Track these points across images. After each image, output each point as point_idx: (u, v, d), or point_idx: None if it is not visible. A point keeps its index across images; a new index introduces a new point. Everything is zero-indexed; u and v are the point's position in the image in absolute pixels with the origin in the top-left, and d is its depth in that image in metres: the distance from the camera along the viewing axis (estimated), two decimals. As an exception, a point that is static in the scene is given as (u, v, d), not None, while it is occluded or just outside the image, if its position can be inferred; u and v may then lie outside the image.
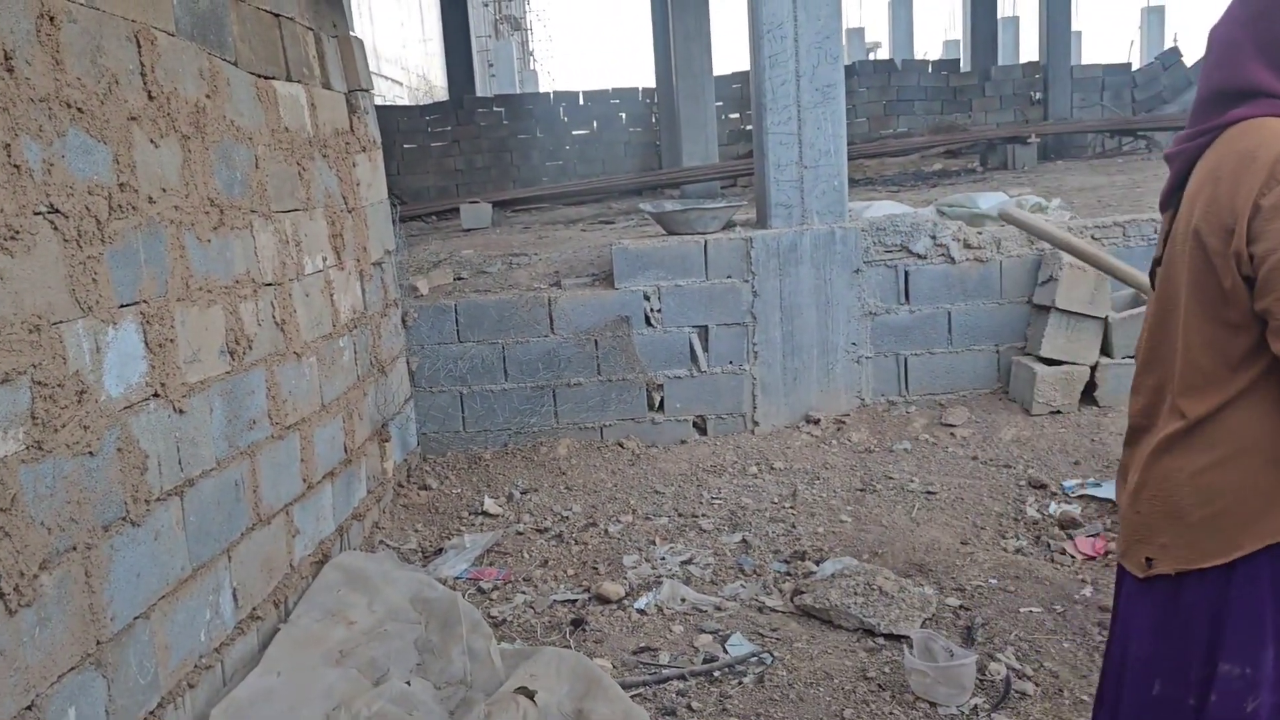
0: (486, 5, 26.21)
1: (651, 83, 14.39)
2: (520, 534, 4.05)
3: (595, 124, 14.93)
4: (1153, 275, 1.65)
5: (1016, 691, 2.72)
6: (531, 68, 33.20)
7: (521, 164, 14.68)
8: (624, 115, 15.00)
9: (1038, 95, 16.03)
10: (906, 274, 4.93)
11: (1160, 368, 1.58)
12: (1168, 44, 24.38)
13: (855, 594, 3.18)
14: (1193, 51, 15.87)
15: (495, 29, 27.58)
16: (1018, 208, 5.08)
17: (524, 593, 3.53)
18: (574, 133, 14.82)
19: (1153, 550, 1.57)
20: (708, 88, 11.04)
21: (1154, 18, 27.18)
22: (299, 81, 3.59)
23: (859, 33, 29.00)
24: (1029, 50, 23.64)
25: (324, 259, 3.64)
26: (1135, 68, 16.95)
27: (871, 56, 27.14)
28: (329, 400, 3.58)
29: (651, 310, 4.88)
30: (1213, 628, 1.51)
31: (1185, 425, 1.52)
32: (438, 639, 2.95)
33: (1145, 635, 1.61)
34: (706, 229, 4.97)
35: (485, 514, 4.26)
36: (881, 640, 3.03)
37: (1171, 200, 1.60)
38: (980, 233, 4.91)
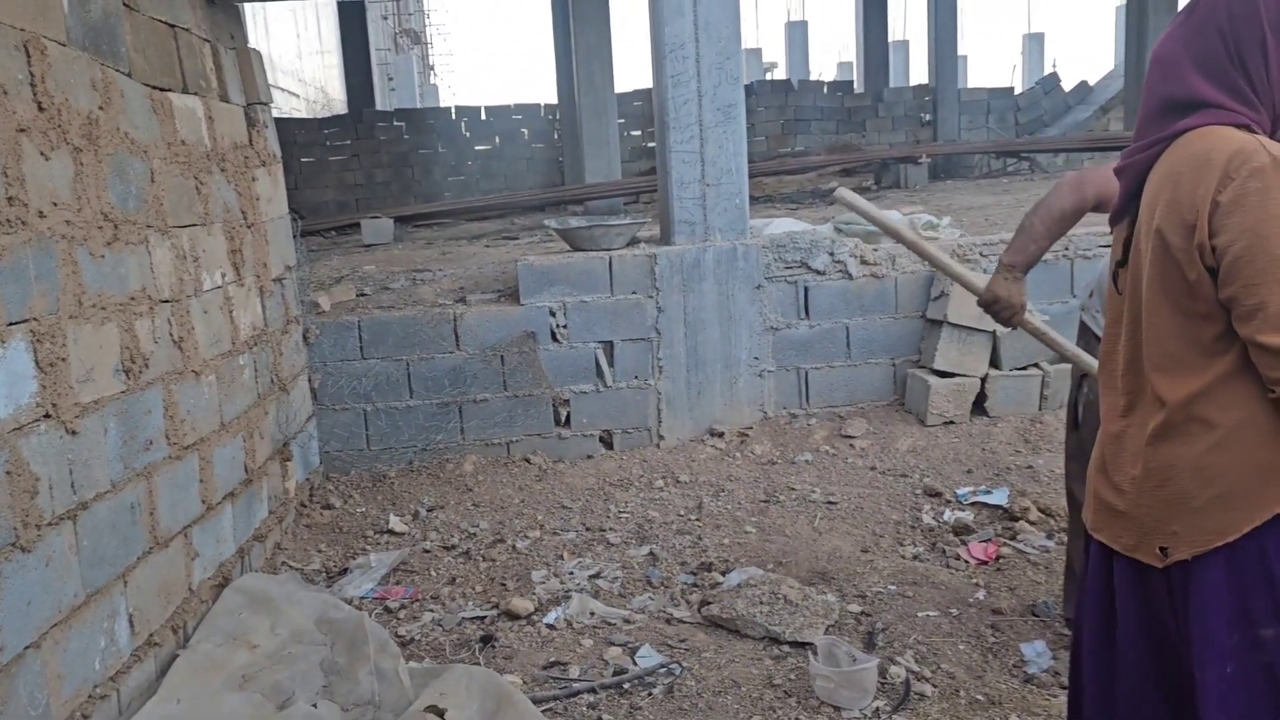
0: (386, 18, 25.90)
1: (554, 99, 14.43)
2: (427, 552, 4.02)
3: (498, 139, 14.88)
4: (1114, 278, 1.75)
5: (916, 693, 2.82)
6: (433, 82, 32.91)
7: (423, 179, 14.53)
8: (526, 131, 14.99)
9: (928, 117, 16.60)
10: (806, 290, 5.06)
11: (1137, 366, 1.68)
12: (1047, 69, 25.50)
13: (761, 603, 3.25)
14: (1070, 77, 16.70)
15: (395, 42, 27.26)
16: (910, 224, 5.27)
17: (432, 611, 3.50)
18: (476, 148, 14.74)
19: (1165, 539, 1.63)
20: (610, 105, 11.13)
21: (1034, 44, 28.47)
22: (196, 94, 3.52)
23: (757, 53, 29.59)
24: (919, 73, 24.44)
25: (223, 275, 3.56)
26: (1018, 92, 17.68)
27: (769, 77, 27.70)
28: (229, 419, 3.50)
29: (557, 326, 4.90)
30: (1242, 598, 1.59)
31: (1168, 412, 1.61)
32: (344, 660, 2.91)
33: (1187, 621, 1.63)
34: (611, 245, 5.02)
35: (391, 532, 4.21)
36: (787, 648, 3.10)
37: (1127, 210, 1.71)
38: (876, 250, 5.08)
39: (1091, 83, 17.56)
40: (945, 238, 5.28)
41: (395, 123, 14.58)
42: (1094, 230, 5.29)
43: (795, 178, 13.43)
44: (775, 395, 5.15)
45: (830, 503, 4.27)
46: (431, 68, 33.35)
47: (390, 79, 25.20)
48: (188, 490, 3.09)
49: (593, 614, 3.39)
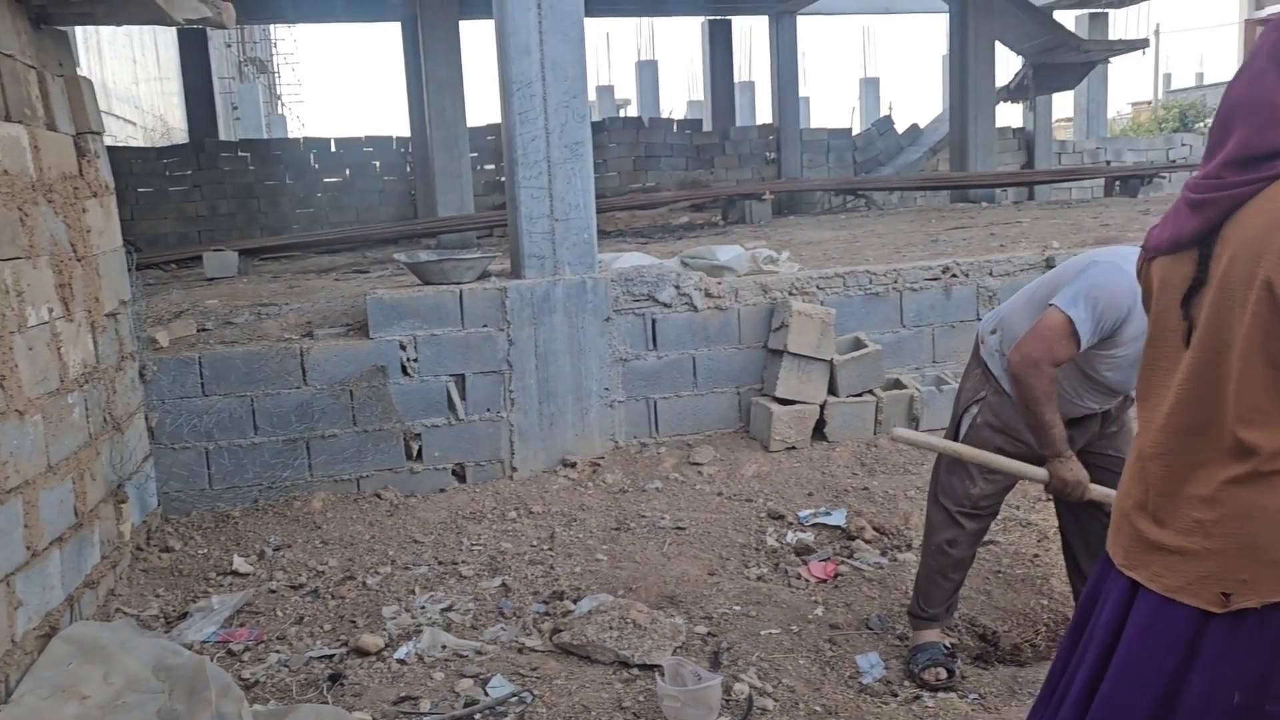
0: (230, 46, 25.14)
1: (407, 131, 14.31)
2: (273, 592, 3.92)
3: (348, 172, 14.64)
4: (1183, 306, 1.65)
5: (758, 708, 2.94)
6: (280, 112, 32.04)
7: (270, 211, 14.14)
8: (378, 164, 14.81)
9: (772, 155, 17.23)
10: (654, 322, 5.20)
11: (1205, 408, 1.60)
12: (884, 112, 26.85)
13: (610, 628, 3.32)
14: (905, 119, 17.71)
15: (240, 71, 26.46)
16: (752, 259, 5.49)
17: (278, 652, 3.43)
18: (326, 180, 14.46)
19: (1230, 585, 1.57)
20: (462, 138, 11.15)
21: (870, 88, 29.95)
22: (20, 122, 3.39)
23: (609, 90, 30.07)
24: (765, 113, 25.39)
25: (50, 310, 3.43)
26: (856, 132, 18.55)
27: (623, 113, 28.21)
28: (57, 461, 3.36)
29: (408, 360, 4.89)
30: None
31: (1258, 462, 1.54)
32: (184, 707, 2.82)
33: (1209, 663, 1.61)
34: (462, 279, 5.05)
35: (235, 574, 4.09)
36: (636, 671, 3.17)
37: (1197, 241, 1.61)
38: (720, 283, 5.27)
39: (922, 125, 18.57)
40: (785, 271, 5.52)
41: (240, 153, 14.17)
42: (919, 265, 5.64)
43: (647, 213, 13.71)
44: (626, 425, 5.26)
45: (679, 528, 4.38)
46: (279, 97, 32.47)
47: (235, 108, 24.43)
48: (11, 536, 2.95)
49: (444, 647, 3.39)
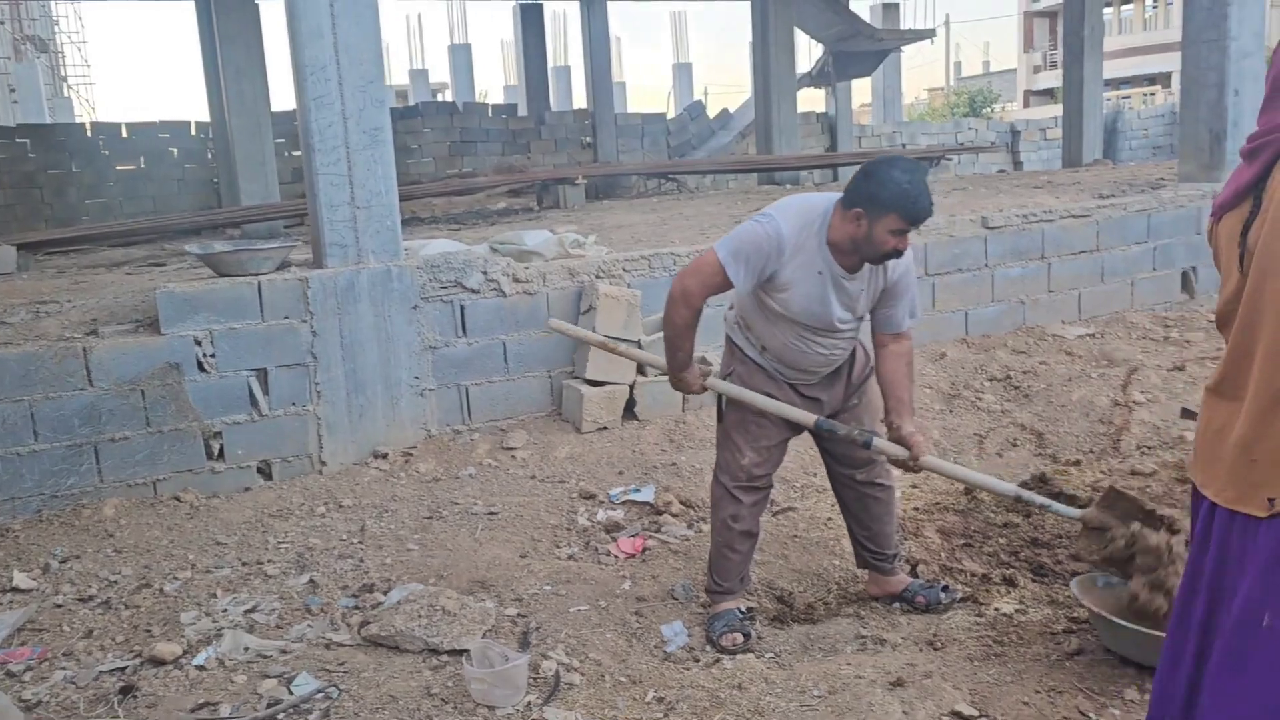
0: (3, 23, 23.12)
1: (207, 117, 13.61)
2: (59, 606, 3.71)
3: (143, 159, 13.81)
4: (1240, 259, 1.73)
5: (566, 683, 3.01)
6: (65, 95, 29.74)
7: (55, 201, 13.18)
8: (176, 150, 14.04)
9: (588, 139, 17.34)
10: (463, 308, 5.18)
11: (1251, 337, 1.69)
12: (698, 96, 27.46)
13: (420, 617, 3.32)
14: (719, 104, 18.26)
15: (16, 49, 24.38)
16: (559, 243, 5.55)
17: (64, 669, 3.25)
18: (118, 168, 13.59)
19: (1275, 491, 1.67)
20: (265, 124, 10.71)
21: (684, 73, 30.51)
22: None
23: (423, 74, 29.48)
24: (583, 98, 25.50)
25: None
26: (670, 117, 18.90)
27: (440, 98, 27.69)
28: None
29: (204, 355, 4.69)
30: None
31: None
32: (-47, 733, 2.65)
33: (1258, 572, 1.70)
34: (259, 270, 4.88)
35: (16, 590, 3.84)
36: (445, 657, 3.18)
37: (1255, 185, 1.69)
38: (527, 268, 5.30)
39: (732, 110, 19.10)
40: (592, 254, 5.60)
41: (19, 140, 13.13)
42: (666, 251, 5.82)
43: (465, 198, 13.55)
44: (438, 413, 5.23)
45: (492, 514, 4.40)
46: (64, 80, 30.13)
47: (12, 90, 22.57)
48: None
49: (247, 649, 3.30)
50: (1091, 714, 2.65)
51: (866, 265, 3.02)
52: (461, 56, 26.53)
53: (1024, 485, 4.04)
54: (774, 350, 3.17)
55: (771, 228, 2.95)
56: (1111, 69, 36.33)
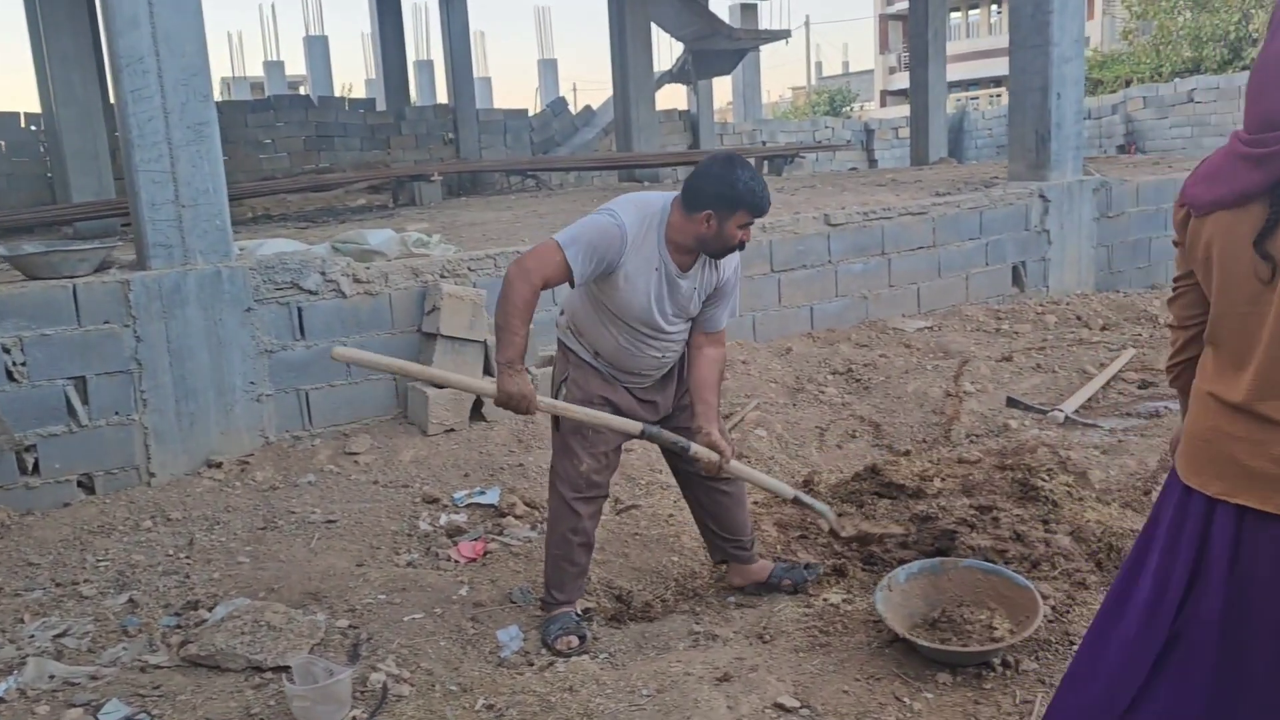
0: None
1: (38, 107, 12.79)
2: None
3: (-38, 153, 12.90)
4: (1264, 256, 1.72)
5: (394, 695, 2.93)
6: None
7: None
8: (4, 143, 13.16)
9: (450, 136, 17.08)
10: (300, 310, 5.01)
11: None
12: (565, 92, 27.42)
13: (242, 634, 3.18)
14: (586, 101, 18.28)
15: None
16: (402, 242, 5.43)
17: None
18: (-66, 162, 12.66)
19: None
20: (97, 118, 10.15)
21: (549, 69, 30.36)
22: None
23: (279, 66, 28.49)
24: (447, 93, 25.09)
25: None
26: (533, 114, 18.79)
27: (303, 90, 26.81)
28: None
29: (14, 364, 4.40)
30: None
31: None
32: None
33: None
34: (74, 272, 4.61)
35: None
36: (269, 674, 3.07)
37: (1268, 190, 1.68)
38: (369, 268, 5.17)
39: (595, 107, 19.12)
40: (437, 254, 5.50)
41: None
42: (513, 250, 5.79)
43: (322, 195, 13.15)
44: (276, 419, 5.04)
45: (330, 522, 4.27)
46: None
47: None
48: None
49: (53, 677, 3.10)
50: (906, 698, 2.73)
51: (698, 265, 3.06)
52: (318, 48, 25.75)
53: (856, 476, 4.16)
54: (606, 354, 3.16)
55: (615, 220, 2.95)
56: (960, 71, 37.92)
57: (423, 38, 28.04)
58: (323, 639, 3.26)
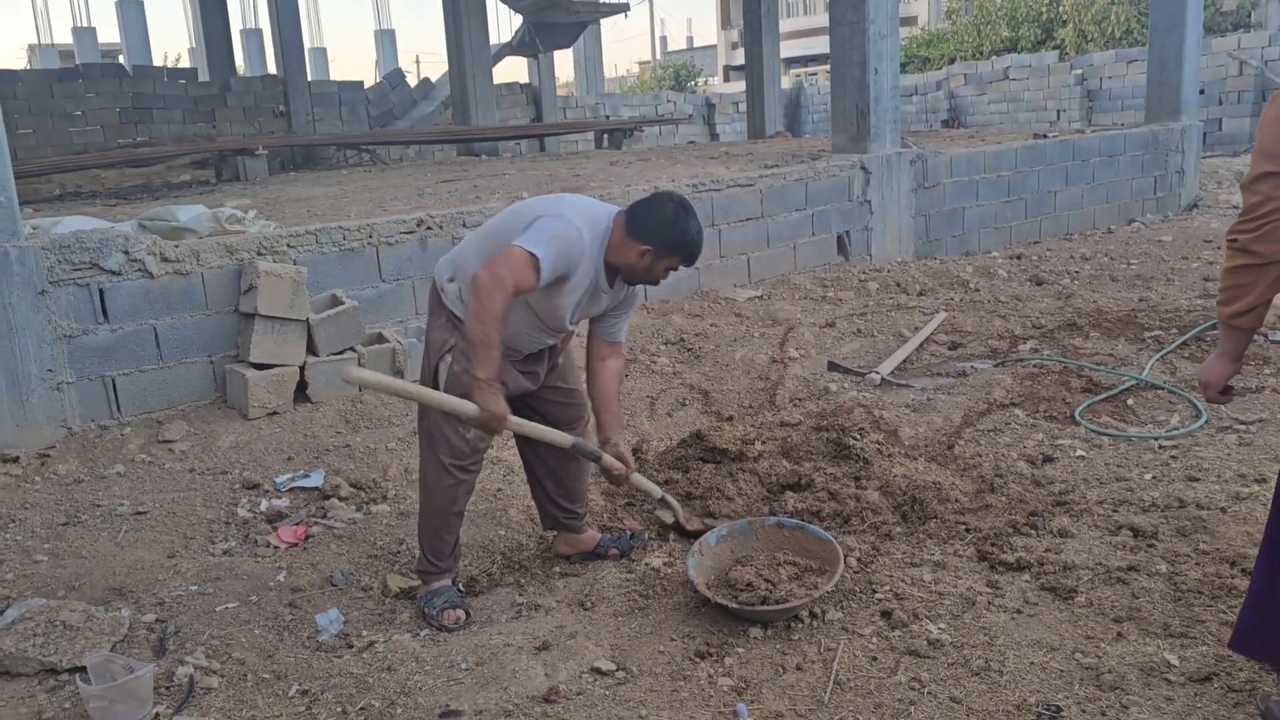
0: None
1: None
2: None
3: None
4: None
5: (202, 688, 2.83)
6: None
7: None
8: None
9: (281, 108, 16.42)
10: (102, 292, 4.74)
11: None
12: (405, 64, 26.68)
13: (35, 635, 3.00)
14: (430, 73, 17.77)
15: None
16: (215, 219, 5.20)
17: None
18: None
19: None
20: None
21: (386, 40, 29.48)
22: None
23: (90, 33, 26.68)
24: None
25: None
26: (368, 86, 18.23)
27: (122, 60, 25.15)
28: None
29: None
30: None
31: None
32: None
33: None
34: None
35: None
36: (65, 676, 2.91)
37: None
38: (178, 246, 4.92)
39: (434, 80, 18.71)
40: (253, 231, 5.29)
41: None
42: (394, 219, 5.69)
43: (142, 171, 12.43)
44: (80, 408, 4.76)
45: (140, 513, 4.07)
46: None
47: None
48: None
49: None
50: (719, 654, 2.82)
51: (620, 280, 3.12)
52: (133, 14, 24.19)
53: (682, 443, 4.24)
54: (504, 335, 3.09)
55: (576, 234, 2.92)
56: (798, 47, 38.91)
57: (249, 5, 26.73)
58: (126, 635, 3.11)
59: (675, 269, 3.08)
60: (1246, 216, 2.05)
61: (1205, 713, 2.44)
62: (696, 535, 3.44)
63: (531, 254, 2.81)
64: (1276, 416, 4.48)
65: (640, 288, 3.28)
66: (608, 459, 3.24)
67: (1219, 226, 9.63)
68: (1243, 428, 4.38)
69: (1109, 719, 2.43)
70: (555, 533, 3.62)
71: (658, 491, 3.56)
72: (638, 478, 3.40)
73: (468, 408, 2.92)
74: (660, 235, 2.97)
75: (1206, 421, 4.45)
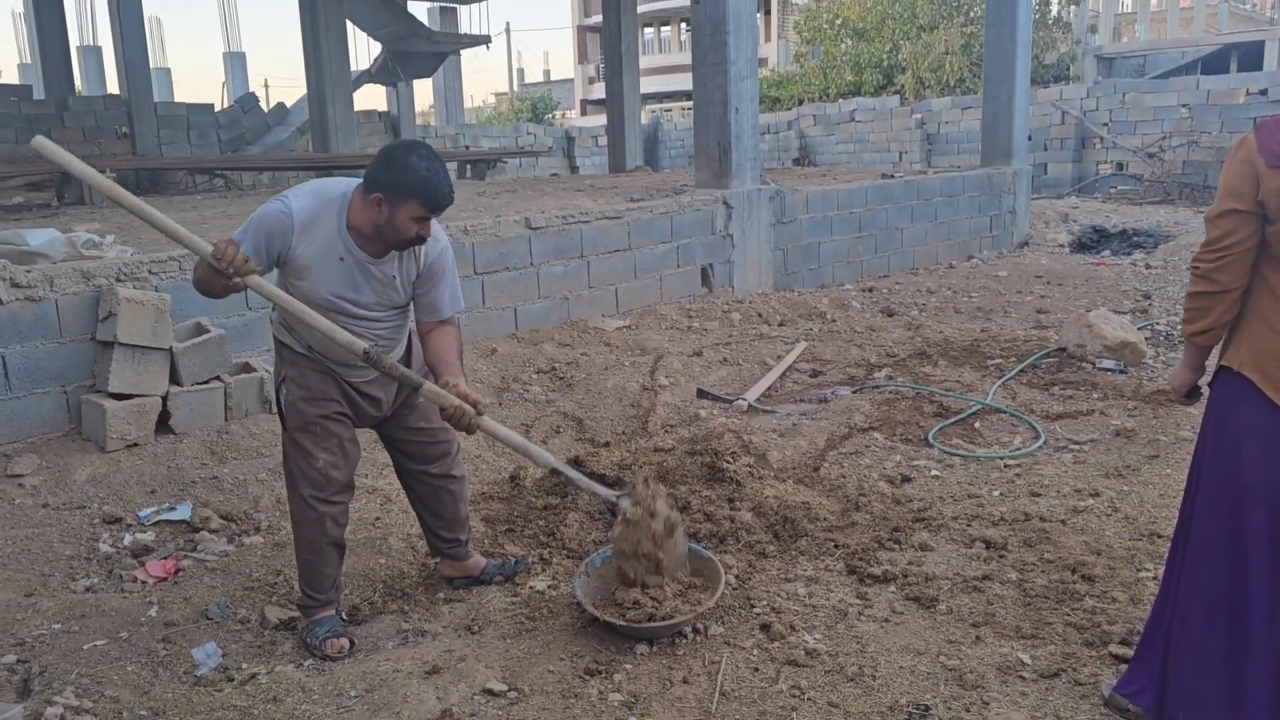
0: None
1: None
2: None
3: None
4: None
5: (72, 726, 2.73)
6: None
7: None
8: None
9: (124, 129, 15.74)
10: (-55, 319, 4.48)
11: None
12: (255, 88, 25.93)
13: (-117, 680, 2.84)
14: (282, 98, 17.27)
15: None
16: (69, 243, 5.00)
17: None
18: None
19: None
20: None
21: (236, 62, 28.60)
22: None
23: (-93, 43, 24.89)
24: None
25: None
26: (219, 109, 17.67)
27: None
28: None
29: None
30: None
31: None
32: None
33: None
34: None
35: None
36: (-81, 722, 2.76)
37: None
38: (29, 271, 4.70)
39: (289, 105, 18.28)
40: (111, 256, 5.10)
41: None
42: (156, 257, 5.55)
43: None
44: (-82, 442, 4.47)
45: (-11, 551, 3.87)
46: None
47: None
48: None
49: None
50: (607, 671, 2.90)
51: (394, 251, 2.99)
52: (-43, 27, 22.74)
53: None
54: (317, 346, 3.05)
55: (281, 206, 2.85)
56: (655, 84, 39.76)
57: (87, 21, 25.51)
58: (-14, 678, 2.97)
59: (424, 218, 2.84)
60: (1208, 248, 2.28)
61: (1056, 705, 2.68)
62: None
63: (234, 238, 2.81)
64: (1105, 437, 4.90)
65: (437, 260, 3.06)
66: (429, 386, 2.94)
67: (1048, 263, 10.39)
68: (1077, 447, 4.78)
69: (972, 715, 2.64)
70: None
71: (547, 458, 3.16)
72: (495, 425, 3.01)
73: (202, 245, 2.77)
74: (388, 180, 2.79)
75: (1045, 442, 4.83)
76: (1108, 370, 5.96)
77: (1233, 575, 2.27)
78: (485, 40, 17.43)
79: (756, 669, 2.90)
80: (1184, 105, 16.88)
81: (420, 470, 3.40)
